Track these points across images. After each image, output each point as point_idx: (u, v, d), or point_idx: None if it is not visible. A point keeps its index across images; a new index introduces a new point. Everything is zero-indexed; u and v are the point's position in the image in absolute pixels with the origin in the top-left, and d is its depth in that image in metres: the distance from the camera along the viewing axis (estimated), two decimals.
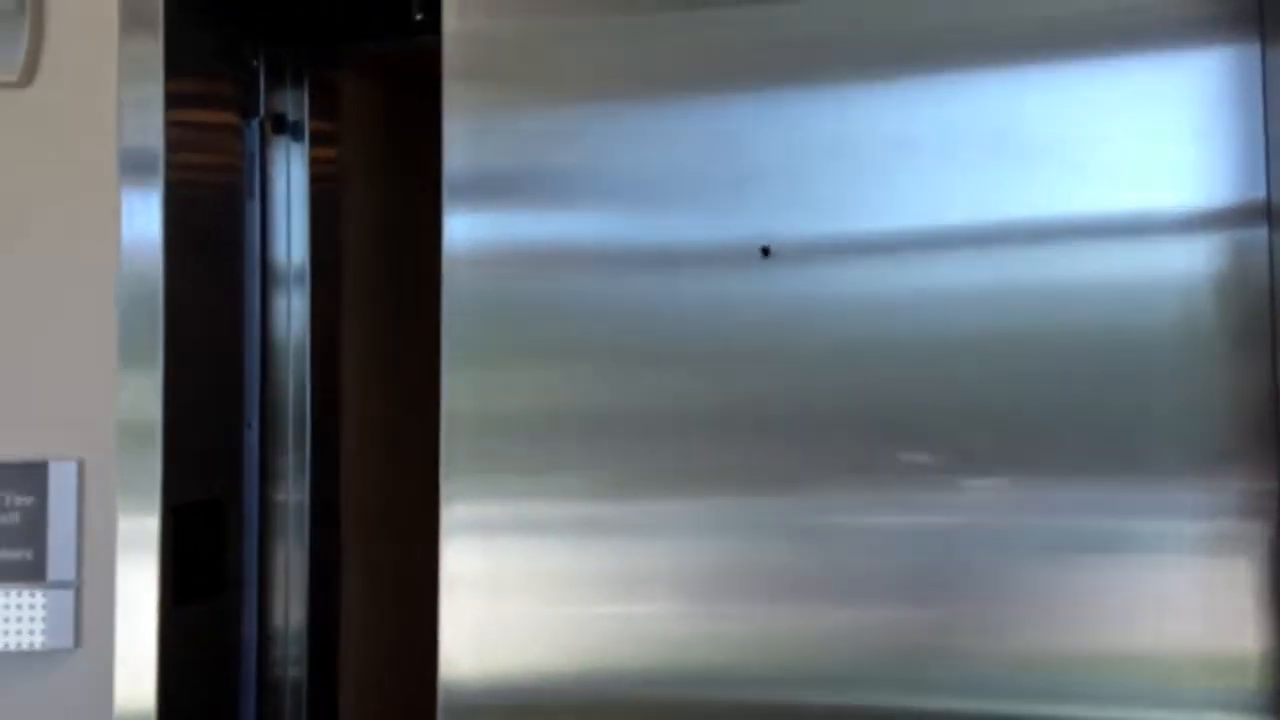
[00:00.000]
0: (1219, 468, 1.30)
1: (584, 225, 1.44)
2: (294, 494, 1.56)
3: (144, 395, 1.41)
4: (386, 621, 1.81)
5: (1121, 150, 1.35)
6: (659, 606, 1.43)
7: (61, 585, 1.44)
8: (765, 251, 1.41)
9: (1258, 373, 1.29)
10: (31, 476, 1.45)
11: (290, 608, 1.57)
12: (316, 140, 1.65)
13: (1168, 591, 1.30)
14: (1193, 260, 1.32)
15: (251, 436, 1.57)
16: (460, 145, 1.46)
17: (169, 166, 1.42)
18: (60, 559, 1.44)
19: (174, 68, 1.44)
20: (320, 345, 1.64)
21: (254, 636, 1.56)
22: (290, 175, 1.62)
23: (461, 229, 1.46)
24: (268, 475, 1.58)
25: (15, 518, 1.45)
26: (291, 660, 1.59)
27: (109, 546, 1.42)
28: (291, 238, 1.61)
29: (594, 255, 1.44)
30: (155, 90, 1.41)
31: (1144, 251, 1.34)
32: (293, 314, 1.61)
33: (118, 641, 1.40)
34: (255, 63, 1.60)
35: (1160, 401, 1.32)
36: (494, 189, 1.46)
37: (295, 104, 1.63)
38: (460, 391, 1.45)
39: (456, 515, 1.44)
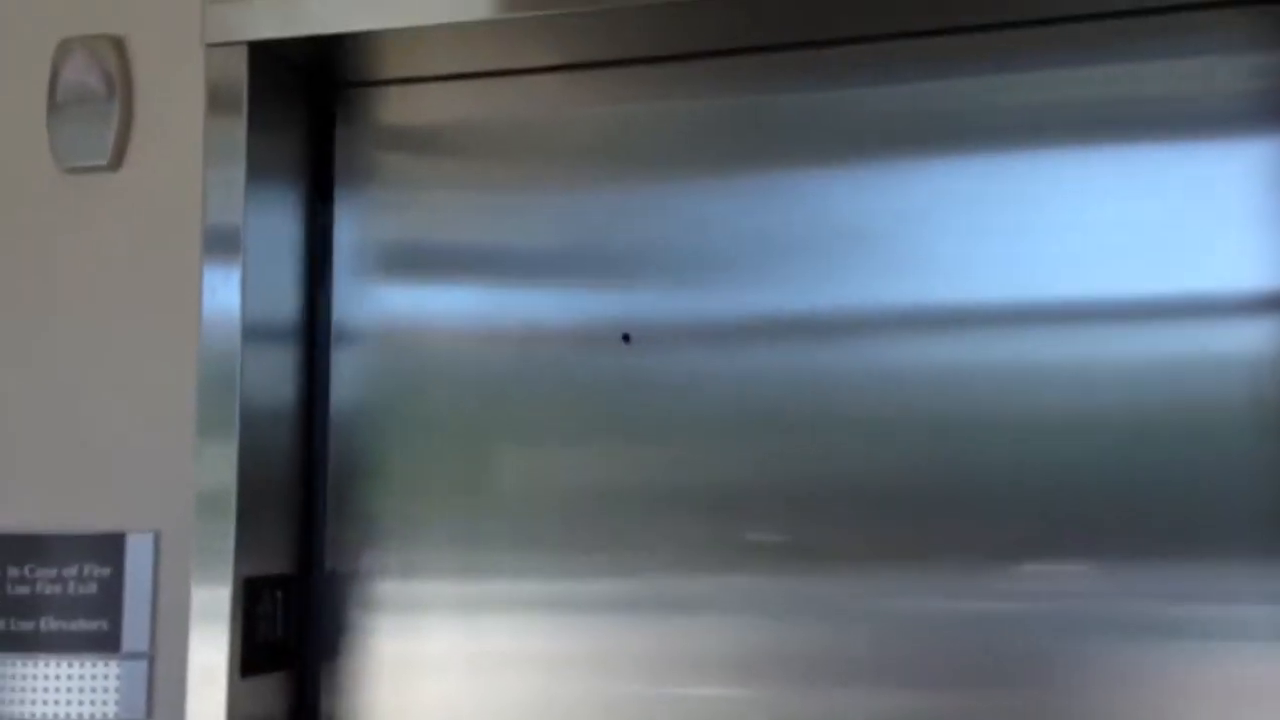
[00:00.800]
0: None
1: (456, 301, 1.54)
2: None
3: (220, 469, 1.43)
4: None
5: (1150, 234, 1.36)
6: (513, 681, 1.48)
7: (135, 656, 1.46)
8: (626, 338, 1.45)
9: None
10: (110, 548, 1.48)
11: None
12: None
13: (1241, 680, 1.29)
14: (1257, 341, 1.32)
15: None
16: (350, 220, 1.59)
17: (249, 243, 1.46)
18: (135, 630, 1.46)
19: (256, 147, 1.48)
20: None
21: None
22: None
23: (350, 299, 1.57)
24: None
25: (93, 588, 1.47)
26: None
27: (182, 618, 1.43)
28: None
29: (461, 331, 1.54)
30: (238, 171, 1.46)
31: (1202, 334, 1.35)
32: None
33: (188, 713, 1.40)
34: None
35: (1218, 484, 1.32)
36: (381, 263, 1.58)
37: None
38: (348, 462, 1.55)
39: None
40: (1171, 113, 1.36)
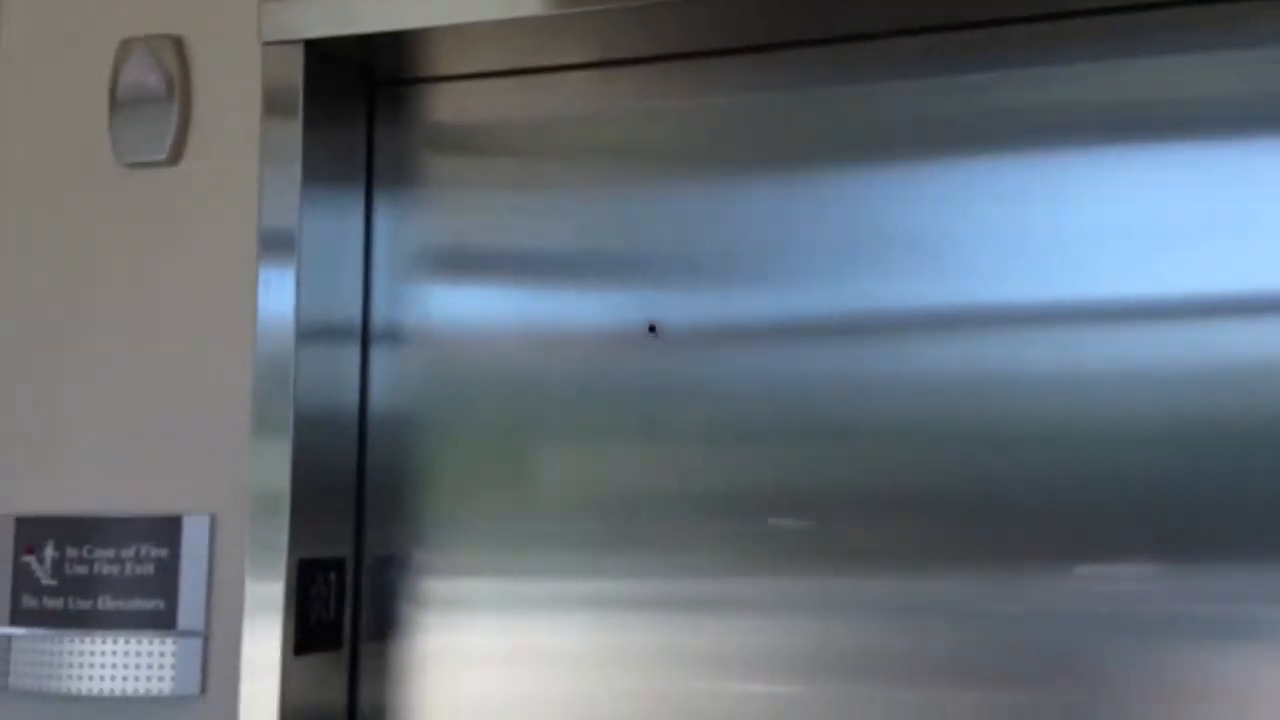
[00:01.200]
0: None
1: (501, 300, 1.56)
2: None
3: (274, 457, 1.47)
4: None
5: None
6: (551, 676, 1.50)
7: (191, 634, 1.49)
8: (652, 329, 1.45)
9: None
10: (166, 530, 1.51)
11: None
12: None
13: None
14: None
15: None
16: (392, 218, 1.60)
17: (304, 243, 1.49)
18: (190, 609, 1.50)
19: (312, 147, 1.51)
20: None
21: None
22: None
23: (401, 298, 1.59)
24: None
25: (150, 568, 1.51)
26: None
27: (237, 597, 1.48)
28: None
29: (504, 330, 1.56)
30: (294, 171, 1.49)
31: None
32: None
33: (241, 690, 1.44)
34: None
35: None
36: (426, 262, 1.60)
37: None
38: (395, 458, 1.58)
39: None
40: (1216, 109, 1.35)
